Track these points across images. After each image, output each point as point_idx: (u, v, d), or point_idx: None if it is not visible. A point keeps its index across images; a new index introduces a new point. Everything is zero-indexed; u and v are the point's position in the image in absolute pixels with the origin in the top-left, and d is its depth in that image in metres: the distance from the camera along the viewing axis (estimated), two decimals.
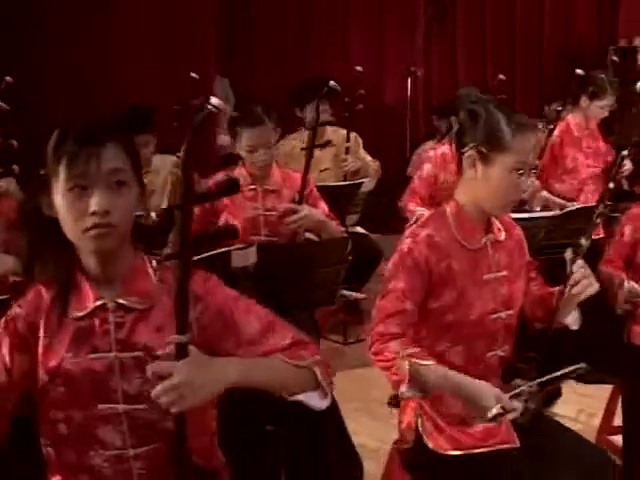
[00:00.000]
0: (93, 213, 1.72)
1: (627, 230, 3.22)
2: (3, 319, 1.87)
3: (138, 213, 1.82)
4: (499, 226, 2.50)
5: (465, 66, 7.97)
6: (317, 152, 5.06)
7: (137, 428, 1.83)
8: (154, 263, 1.89)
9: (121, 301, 1.83)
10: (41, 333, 1.82)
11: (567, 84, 6.49)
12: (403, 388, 2.26)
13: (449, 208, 2.46)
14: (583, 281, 2.37)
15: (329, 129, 5.22)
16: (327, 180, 4.88)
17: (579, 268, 2.37)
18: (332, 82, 3.54)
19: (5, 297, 2.26)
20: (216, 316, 1.86)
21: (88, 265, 1.83)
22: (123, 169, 1.77)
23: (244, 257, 2.87)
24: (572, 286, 2.38)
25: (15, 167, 2.94)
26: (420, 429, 2.43)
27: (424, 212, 4.23)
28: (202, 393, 1.65)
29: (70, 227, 1.77)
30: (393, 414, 2.60)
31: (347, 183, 4.65)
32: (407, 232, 2.45)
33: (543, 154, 4.78)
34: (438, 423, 2.41)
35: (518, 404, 2.23)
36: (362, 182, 4.74)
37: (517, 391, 2.29)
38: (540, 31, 8.24)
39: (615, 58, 5.12)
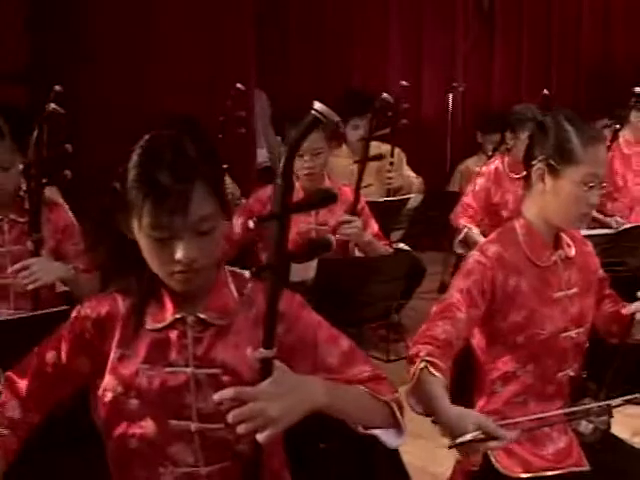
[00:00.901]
0: (179, 261, 1.65)
1: None
2: (72, 316, 1.81)
3: None
4: (568, 242, 2.44)
5: (500, 82, 7.92)
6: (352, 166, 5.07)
7: (210, 447, 1.75)
8: (247, 274, 1.83)
9: (201, 315, 1.76)
10: (115, 342, 1.76)
11: (604, 102, 6.47)
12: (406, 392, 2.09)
13: (517, 224, 2.40)
14: None
15: (373, 144, 5.17)
16: (370, 196, 4.82)
17: None
18: (385, 95, 3.49)
19: (64, 308, 2.21)
20: (298, 338, 1.79)
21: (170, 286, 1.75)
22: (211, 215, 1.66)
23: (304, 271, 2.83)
24: None
25: (68, 172, 2.89)
26: (489, 452, 2.36)
27: (472, 230, 4.22)
28: (288, 417, 1.54)
29: (154, 266, 1.70)
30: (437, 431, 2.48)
31: (395, 199, 4.60)
32: (477, 246, 2.39)
33: None
34: (508, 445, 2.33)
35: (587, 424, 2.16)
36: (409, 198, 4.70)
37: (587, 407, 2.24)
38: (577, 48, 8.17)
39: None
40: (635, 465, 2.37)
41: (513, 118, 4.36)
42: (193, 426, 1.74)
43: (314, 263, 2.88)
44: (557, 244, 2.41)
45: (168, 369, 1.75)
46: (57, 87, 2.92)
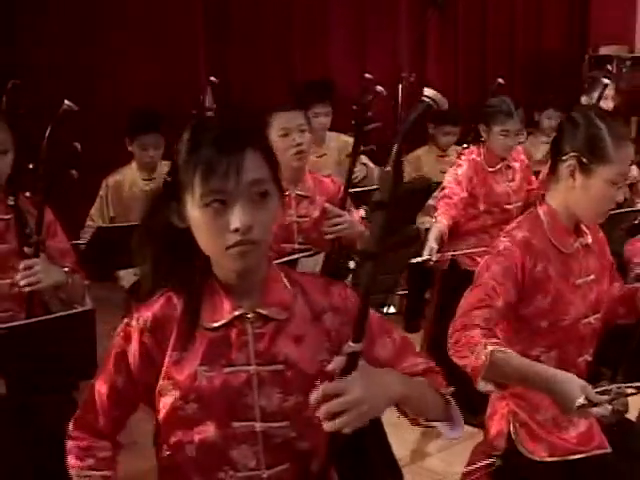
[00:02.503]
0: (235, 230, 1.59)
1: None
2: (123, 327, 1.73)
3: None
4: (586, 229, 2.49)
5: (437, 74, 7.97)
6: (316, 159, 5.05)
7: (272, 447, 1.70)
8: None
9: (262, 311, 1.70)
10: (170, 345, 1.69)
11: (539, 94, 6.59)
12: (479, 379, 2.19)
13: (541, 211, 2.43)
14: None
15: (332, 135, 5.18)
16: None
17: None
18: (379, 87, 3.47)
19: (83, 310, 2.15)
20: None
21: (224, 276, 1.70)
22: (265, 179, 1.62)
23: (311, 264, 2.80)
24: None
25: (74, 172, 2.81)
26: (513, 436, 2.40)
27: (437, 225, 4.19)
28: (375, 410, 1.53)
29: (209, 244, 1.64)
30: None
31: (363, 189, 4.57)
32: (504, 233, 2.42)
33: None
34: (533, 429, 2.38)
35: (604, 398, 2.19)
36: (377, 188, 4.68)
37: (605, 388, 2.25)
38: (511, 40, 8.30)
39: (610, 67, 5.18)
40: None
41: (487, 111, 4.37)
42: (257, 426, 1.68)
43: (320, 257, 2.85)
44: (578, 231, 2.45)
45: (228, 369, 1.68)
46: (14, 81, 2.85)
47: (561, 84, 7.37)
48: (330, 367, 1.55)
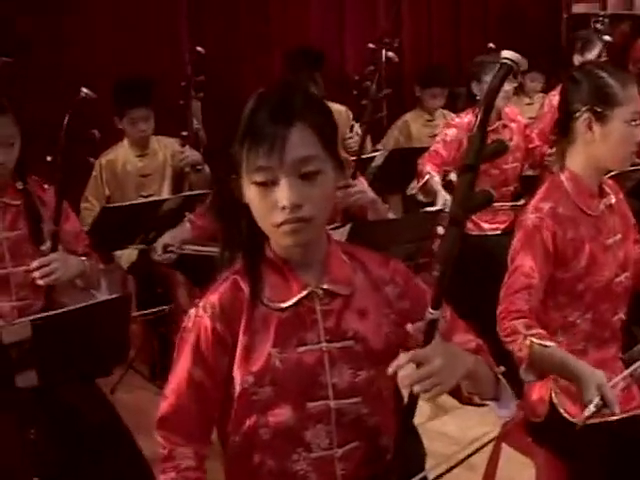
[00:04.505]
0: (283, 208, 1.56)
1: None
2: (191, 318, 1.68)
3: None
4: (608, 190, 2.50)
5: (410, 36, 7.88)
6: None
7: (345, 425, 1.69)
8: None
9: (328, 287, 1.68)
10: (241, 329, 1.65)
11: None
12: (522, 370, 2.25)
13: (563, 177, 2.44)
14: None
15: (331, 105, 5.10)
16: None
17: None
18: (390, 53, 3.41)
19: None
20: (411, 305, 1.74)
21: (286, 253, 1.67)
22: (314, 156, 1.57)
23: (337, 237, 2.75)
24: None
25: (93, 160, 2.72)
26: (555, 400, 2.40)
27: (434, 179, 4.17)
28: (454, 379, 1.53)
29: (261, 221, 1.62)
30: None
31: (364, 157, 4.50)
32: (530, 207, 2.41)
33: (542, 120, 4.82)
34: (574, 393, 2.37)
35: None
36: (374, 157, 4.66)
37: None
38: (486, 3, 8.23)
39: (599, 26, 5.17)
40: None
41: (476, 68, 4.37)
42: (331, 404, 1.67)
43: (345, 230, 2.81)
44: (601, 193, 2.47)
45: (301, 348, 1.66)
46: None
47: (540, 46, 7.36)
48: (410, 329, 1.55)
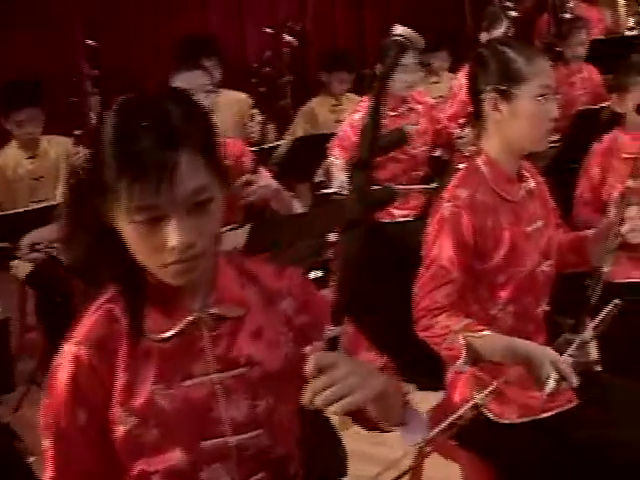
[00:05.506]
0: (173, 248, 1.34)
1: None
2: (64, 355, 1.45)
3: None
4: (527, 174, 2.37)
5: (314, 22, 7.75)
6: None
7: (246, 460, 1.50)
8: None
9: (215, 311, 1.48)
10: (118, 365, 1.44)
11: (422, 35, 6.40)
12: (458, 364, 2.14)
13: (480, 161, 2.30)
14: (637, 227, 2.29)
15: (223, 93, 4.92)
16: None
17: (634, 213, 2.26)
18: (289, 37, 3.23)
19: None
20: (310, 321, 1.56)
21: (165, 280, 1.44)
22: (205, 185, 1.36)
23: (234, 239, 2.58)
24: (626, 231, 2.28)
25: None
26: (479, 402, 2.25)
27: (336, 162, 4.05)
28: (364, 395, 1.30)
29: (144, 260, 1.40)
30: None
31: (265, 147, 4.34)
32: (446, 195, 2.26)
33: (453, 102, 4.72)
34: (499, 392, 2.25)
35: (568, 359, 2.10)
36: (278, 145, 4.50)
37: (574, 346, 2.17)
38: None
39: (505, 2, 5.08)
40: (618, 395, 2.32)
41: (383, 49, 4.23)
42: (230, 441, 1.48)
43: (244, 230, 2.64)
44: (520, 177, 2.34)
45: (188, 382, 1.46)
46: None
47: (446, 24, 7.30)
48: (308, 351, 1.33)
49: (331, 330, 1.31)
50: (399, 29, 1.30)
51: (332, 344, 1.32)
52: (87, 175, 1.41)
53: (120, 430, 1.44)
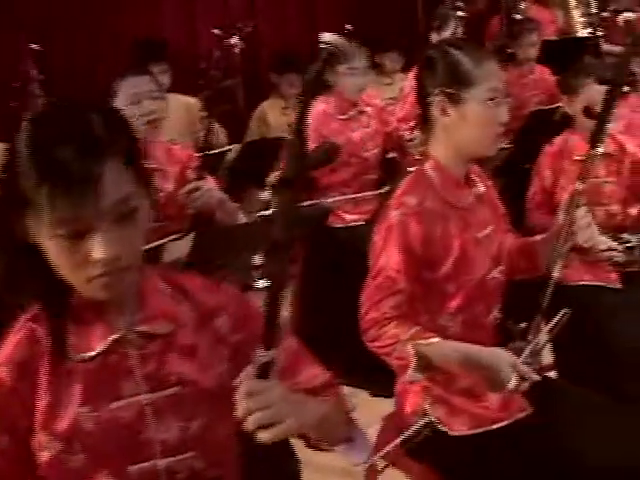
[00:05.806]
0: (97, 262, 1.29)
1: None
2: None
3: None
4: (476, 179, 2.31)
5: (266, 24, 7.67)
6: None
7: None
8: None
9: (142, 328, 1.42)
10: (40, 387, 1.37)
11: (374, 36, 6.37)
12: (410, 373, 2.06)
13: (428, 166, 2.23)
14: (588, 230, 2.22)
15: (171, 97, 4.82)
16: None
17: (583, 215, 2.21)
18: (234, 39, 3.15)
19: None
20: (245, 339, 1.49)
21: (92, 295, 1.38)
22: (130, 194, 1.31)
23: (177, 248, 2.49)
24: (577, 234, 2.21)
25: None
26: (430, 412, 2.20)
27: None
28: (297, 423, 1.27)
29: (67, 274, 1.33)
30: None
31: (214, 152, 4.26)
32: (394, 201, 2.19)
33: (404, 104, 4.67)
34: (450, 403, 2.20)
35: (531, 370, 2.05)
36: (229, 150, 4.41)
37: (527, 352, 2.11)
38: None
39: (455, 2, 5.05)
40: (573, 401, 2.28)
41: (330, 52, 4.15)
42: (160, 464, 1.41)
43: (187, 239, 2.55)
44: (469, 182, 2.28)
45: (115, 404, 1.39)
46: None
47: (398, 25, 7.26)
48: (237, 381, 1.28)
49: (262, 355, 1.26)
50: (326, 36, 1.26)
51: (264, 370, 1.26)
52: (3, 188, 1.33)
53: (45, 456, 1.37)
